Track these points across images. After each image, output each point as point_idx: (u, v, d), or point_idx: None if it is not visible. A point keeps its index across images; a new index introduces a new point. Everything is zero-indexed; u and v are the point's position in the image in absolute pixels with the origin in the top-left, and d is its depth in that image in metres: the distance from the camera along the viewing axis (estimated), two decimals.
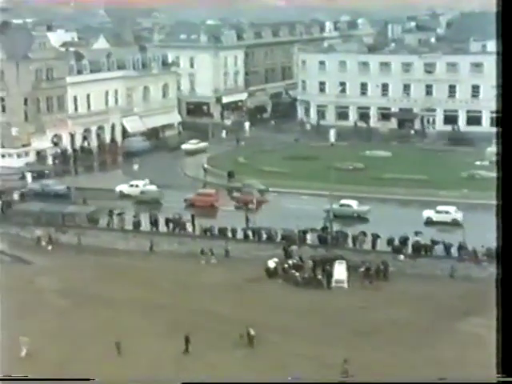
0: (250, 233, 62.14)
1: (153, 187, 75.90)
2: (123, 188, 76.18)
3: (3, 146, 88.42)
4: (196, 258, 59.93)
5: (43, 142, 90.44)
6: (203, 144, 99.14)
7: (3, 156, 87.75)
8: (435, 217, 65.84)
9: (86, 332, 46.77)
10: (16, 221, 68.05)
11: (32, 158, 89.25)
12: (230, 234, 62.47)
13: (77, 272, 58.16)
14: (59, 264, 60.17)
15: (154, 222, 64.64)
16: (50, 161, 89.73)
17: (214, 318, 48.22)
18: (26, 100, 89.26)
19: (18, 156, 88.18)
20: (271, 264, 55.81)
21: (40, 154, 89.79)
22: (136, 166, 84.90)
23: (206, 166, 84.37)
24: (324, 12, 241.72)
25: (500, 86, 18.81)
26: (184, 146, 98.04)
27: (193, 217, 64.55)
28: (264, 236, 61.83)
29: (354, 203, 68.49)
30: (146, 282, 55.35)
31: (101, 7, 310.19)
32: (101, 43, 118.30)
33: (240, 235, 62.63)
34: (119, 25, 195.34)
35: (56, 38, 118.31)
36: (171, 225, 64.49)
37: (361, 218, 67.69)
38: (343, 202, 68.65)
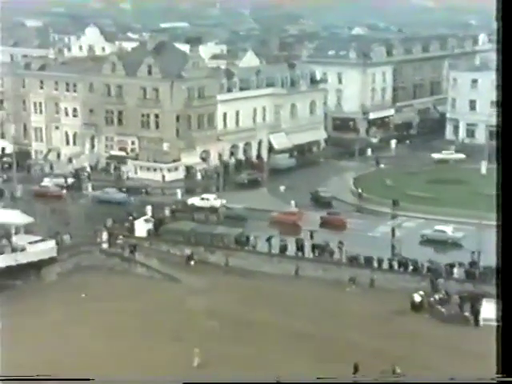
0: (395, 263, 63.55)
1: (223, 201, 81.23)
2: (195, 201, 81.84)
3: (155, 161, 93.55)
4: (341, 286, 61.88)
5: (192, 158, 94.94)
6: (459, 155, 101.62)
7: (155, 170, 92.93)
8: None
9: (238, 356, 49.49)
10: (167, 238, 72.17)
11: (181, 173, 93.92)
12: (375, 264, 64.04)
13: (224, 293, 61.25)
14: (207, 284, 63.44)
15: (300, 247, 67.10)
16: (198, 176, 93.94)
17: (358, 350, 49.83)
18: (178, 117, 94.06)
19: (169, 171, 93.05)
20: (417, 298, 57.06)
21: (189, 170, 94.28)
22: (282, 188, 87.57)
23: (359, 190, 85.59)
24: (475, 14, 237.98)
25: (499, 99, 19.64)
26: (435, 156, 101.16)
27: (340, 243, 66.56)
28: (410, 267, 63.06)
29: (448, 229, 69.80)
30: (290, 308, 57.73)
31: (246, 7, 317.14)
32: (249, 57, 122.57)
33: (386, 265, 64.12)
34: (266, 32, 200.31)
35: (206, 50, 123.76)
36: (317, 250, 66.78)
37: (455, 245, 68.17)
38: (437, 227, 70.51)
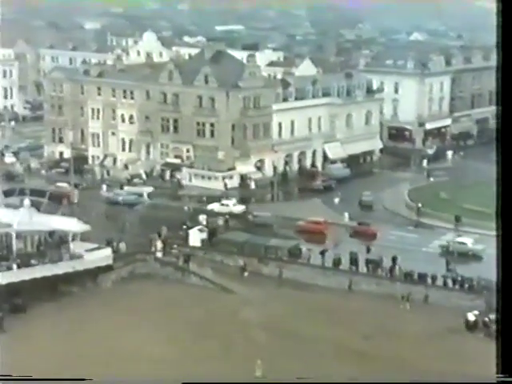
0: (449, 281, 63.86)
1: (242, 207, 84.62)
2: (215, 206, 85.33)
3: (210, 169, 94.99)
4: (394, 301, 62.33)
5: (247, 167, 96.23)
6: None
7: (209, 178, 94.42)
8: None
9: (287, 369, 50.40)
10: (221, 249, 73.39)
11: (236, 181, 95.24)
12: (429, 280, 64.39)
13: (277, 306, 62.15)
14: (260, 296, 64.41)
15: (354, 261, 67.80)
16: (252, 185, 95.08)
17: (410, 368, 50.27)
18: (233, 126, 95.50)
19: (223, 179, 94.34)
20: (471, 317, 57.26)
21: (243, 178, 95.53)
22: (336, 200, 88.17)
23: (419, 204, 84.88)
24: None
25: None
26: None
27: (394, 260, 67.05)
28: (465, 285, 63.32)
29: (469, 241, 71.44)
30: (344, 323, 58.38)
31: (303, 9, 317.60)
32: (306, 65, 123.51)
33: (440, 282, 64.44)
34: (322, 36, 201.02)
35: (263, 57, 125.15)
36: (371, 265, 67.42)
37: (475, 257, 69.58)
38: (458, 239, 72.47)
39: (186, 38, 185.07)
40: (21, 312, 59.66)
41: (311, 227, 78.32)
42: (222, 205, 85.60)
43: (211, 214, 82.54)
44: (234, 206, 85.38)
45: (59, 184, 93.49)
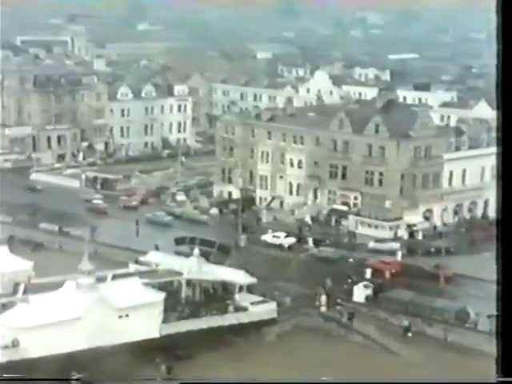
0: None
1: (293, 239, 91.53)
2: (267, 238, 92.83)
3: (377, 218, 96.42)
4: None
5: (415, 217, 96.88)
6: None
7: (376, 227, 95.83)
8: None
9: None
10: (385, 306, 74.52)
11: (402, 231, 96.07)
12: None
13: (441, 370, 62.49)
14: (423, 359, 65.01)
15: None
16: (419, 236, 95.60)
17: None
18: (402, 175, 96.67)
19: (390, 228, 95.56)
20: None
21: (411, 229, 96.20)
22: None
23: None
24: None
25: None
26: None
27: None
28: None
29: None
30: None
31: (482, 32, 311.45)
32: (482, 106, 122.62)
33: None
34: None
35: (434, 98, 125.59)
36: None
37: None
38: None
39: (358, 70, 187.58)
40: (187, 360, 63.15)
41: (382, 266, 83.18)
42: (274, 236, 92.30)
43: (266, 245, 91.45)
44: (285, 239, 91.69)
45: (95, 201, 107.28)
